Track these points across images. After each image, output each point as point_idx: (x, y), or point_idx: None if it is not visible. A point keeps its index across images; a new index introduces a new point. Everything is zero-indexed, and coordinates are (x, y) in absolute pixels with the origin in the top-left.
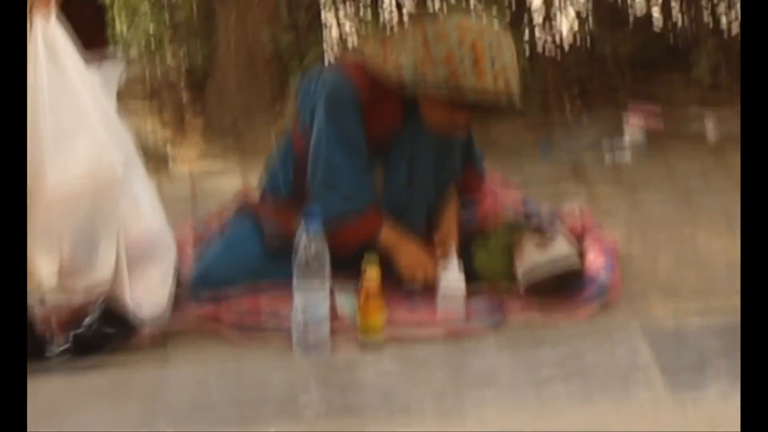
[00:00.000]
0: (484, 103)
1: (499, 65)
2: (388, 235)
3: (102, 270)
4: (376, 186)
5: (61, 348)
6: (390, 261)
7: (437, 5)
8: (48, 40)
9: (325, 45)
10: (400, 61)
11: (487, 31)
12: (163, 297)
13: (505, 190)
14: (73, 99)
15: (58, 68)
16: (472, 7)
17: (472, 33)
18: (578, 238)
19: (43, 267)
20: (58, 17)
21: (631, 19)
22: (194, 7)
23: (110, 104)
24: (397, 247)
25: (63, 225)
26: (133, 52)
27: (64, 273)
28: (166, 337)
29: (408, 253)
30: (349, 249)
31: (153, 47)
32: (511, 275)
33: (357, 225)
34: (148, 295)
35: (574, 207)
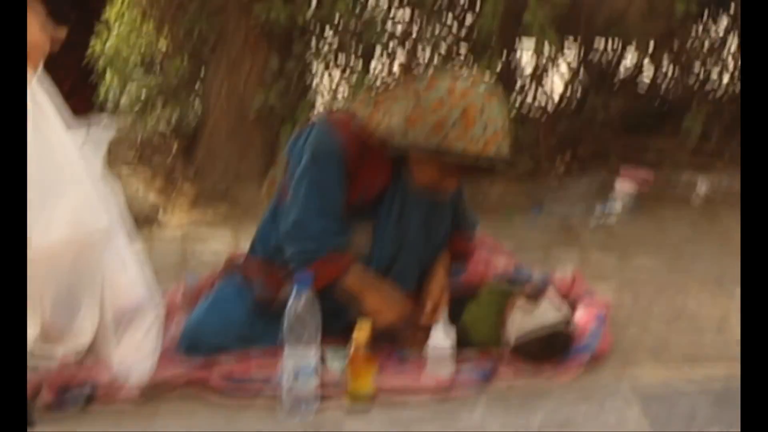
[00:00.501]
0: (471, 157)
1: (488, 119)
2: (355, 278)
3: (83, 332)
4: (349, 235)
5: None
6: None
7: (427, 58)
8: (33, 98)
9: (315, 97)
10: (389, 113)
11: (478, 84)
12: (148, 356)
13: (496, 256)
14: (56, 159)
15: (42, 127)
16: (462, 60)
17: (462, 85)
18: (568, 299)
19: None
20: (43, 75)
21: (620, 76)
22: (185, 62)
23: (96, 164)
24: (364, 291)
25: (44, 287)
26: (124, 108)
27: (44, 335)
28: (155, 392)
29: (375, 297)
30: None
31: (143, 103)
32: (500, 333)
33: (319, 266)
34: (133, 354)
35: (566, 274)
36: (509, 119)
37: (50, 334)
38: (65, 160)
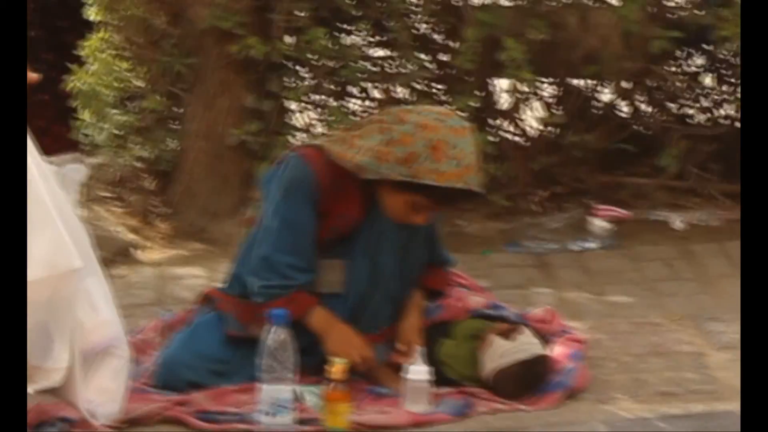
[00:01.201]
0: (441, 190)
1: (458, 153)
2: (318, 318)
3: (55, 371)
4: (316, 272)
5: None
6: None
7: (403, 94)
8: None
9: (291, 135)
10: (361, 145)
11: (448, 118)
12: (115, 398)
13: (472, 293)
14: (31, 197)
15: None
16: (438, 98)
17: (432, 119)
18: (544, 336)
19: None
20: None
21: (596, 114)
22: (161, 99)
23: (69, 204)
24: (327, 331)
25: None
26: (100, 146)
27: None
28: (132, 425)
29: (337, 337)
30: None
31: (119, 140)
32: (476, 365)
33: (284, 303)
34: (100, 396)
35: (542, 311)
36: (482, 155)
37: None
38: (38, 199)
